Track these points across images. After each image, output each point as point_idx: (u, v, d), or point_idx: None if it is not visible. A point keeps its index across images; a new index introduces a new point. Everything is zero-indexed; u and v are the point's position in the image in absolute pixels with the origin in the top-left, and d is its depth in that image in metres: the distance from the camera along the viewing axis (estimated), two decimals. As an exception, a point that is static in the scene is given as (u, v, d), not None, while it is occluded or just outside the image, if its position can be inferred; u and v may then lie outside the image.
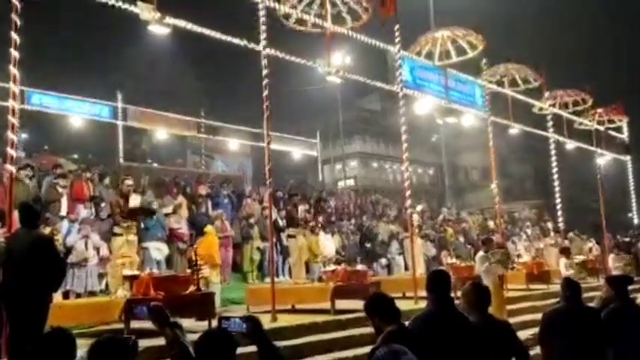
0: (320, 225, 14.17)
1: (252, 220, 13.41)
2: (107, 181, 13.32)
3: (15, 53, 6.40)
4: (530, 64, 16.29)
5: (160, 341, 2.99)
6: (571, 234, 19.30)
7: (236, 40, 9.53)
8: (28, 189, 10.68)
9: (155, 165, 28.17)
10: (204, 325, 7.13)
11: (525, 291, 13.01)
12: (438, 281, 3.82)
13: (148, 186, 14.44)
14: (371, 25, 11.79)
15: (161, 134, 23.48)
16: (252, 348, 2.71)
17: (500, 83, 15.78)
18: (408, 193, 11.71)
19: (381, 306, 3.52)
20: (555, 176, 17.01)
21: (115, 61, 23.39)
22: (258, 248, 13.21)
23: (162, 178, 16.21)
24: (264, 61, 9.19)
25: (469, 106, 14.60)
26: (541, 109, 17.36)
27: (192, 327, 6.70)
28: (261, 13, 9.19)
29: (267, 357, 2.66)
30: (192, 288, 7.84)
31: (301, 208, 14.53)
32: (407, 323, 3.67)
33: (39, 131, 23.74)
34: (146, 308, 3.06)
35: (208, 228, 10.82)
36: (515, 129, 16.42)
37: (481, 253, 10.13)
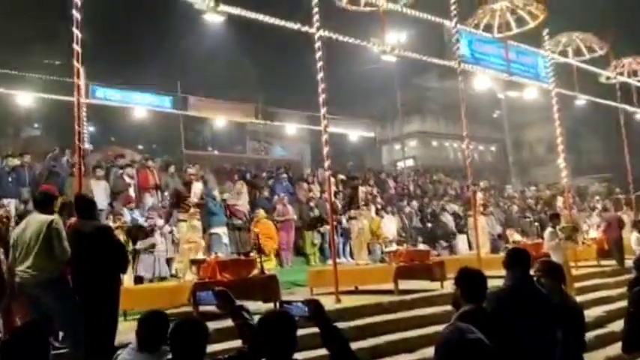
0: (381, 206, 14.08)
1: (312, 204, 13.50)
2: (172, 169, 13.69)
3: (77, 48, 6.60)
4: (595, 31, 15.52)
5: (229, 323, 3.05)
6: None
7: (290, 24, 9.53)
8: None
9: (216, 152, 28.79)
10: (270, 307, 7.24)
11: (596, 267, 12.55)
12: (517, 258, 3.83)
13: (210, 173, 14.74)
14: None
15: (220, 122, 23.89)
16: (315, 329, 2.71)
17: (564, 53, 15.12)
18: (470, 171, 11.48)
19: (466, 281, 3.42)
20: (626, 149, 16.20)
21: (174, 53, 23.89)
22: (318, 231, 13.28)
23: (223, 165, 16.50)
24: (318, 44, 9.14)
25: (532, 79, 14.05)
26: (608, 78, 16.54)
27: (260, 309, 6.83)
28: (314, -6, 9.10)
29: (329, 338, 2.66)
30: (256, 271, 7.98)
31: (362, 190, 14.48)
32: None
33: (104, 124, 24.60)
34: (212, 293, 3.10)
35: (260, 213, 10.84)
36: (581, 100, 15.74)
37: (549, 229, 9.81)
